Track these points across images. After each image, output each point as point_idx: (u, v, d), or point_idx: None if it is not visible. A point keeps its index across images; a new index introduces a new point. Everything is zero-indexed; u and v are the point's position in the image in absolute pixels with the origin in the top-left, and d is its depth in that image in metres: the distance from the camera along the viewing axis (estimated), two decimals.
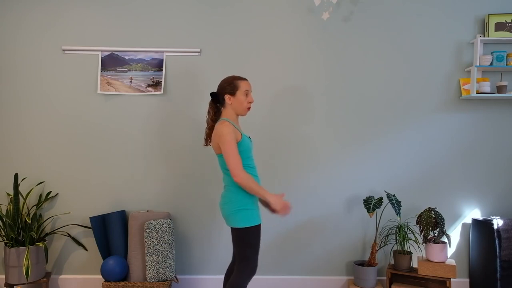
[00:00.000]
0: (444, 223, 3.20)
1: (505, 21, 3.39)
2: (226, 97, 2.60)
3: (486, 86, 3.35)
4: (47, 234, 3.42)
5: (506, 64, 3.36)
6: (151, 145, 3.55)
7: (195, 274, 3.58)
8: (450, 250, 3.55)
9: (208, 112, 2.68)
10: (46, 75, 3.52)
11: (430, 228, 3.18)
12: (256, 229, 2.54)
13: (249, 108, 2.64)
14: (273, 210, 2.59)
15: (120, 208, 3.56)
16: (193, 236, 3.57)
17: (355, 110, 3.54)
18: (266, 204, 2.72)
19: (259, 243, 2.57)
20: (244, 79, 2.64)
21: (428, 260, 3.28)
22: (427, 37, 3.50)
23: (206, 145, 2.72)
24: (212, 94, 2.64)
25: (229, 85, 2.59)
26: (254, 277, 3.57)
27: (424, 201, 3.54)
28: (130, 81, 3.48)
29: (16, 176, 3.26)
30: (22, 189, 3.54)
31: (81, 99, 3.52)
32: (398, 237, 3.32)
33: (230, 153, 2.44)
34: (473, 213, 3.54)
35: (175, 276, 3.40)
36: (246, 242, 2.52)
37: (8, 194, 3.49)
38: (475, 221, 3.43)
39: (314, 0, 3.25)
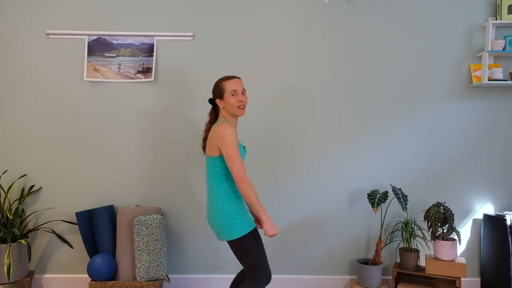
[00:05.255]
0: (453, 219, 3.17)
1: None
2: (217, 101, 2.60)
3: (499, 73, 3.33)
4: (30, 231, 3.39)
5: None
6: (140, 136, 3.52)
7: (187, 273, 3.55)
8: (460, 248, 3.54)
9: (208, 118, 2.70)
10: (28, 61, 3.47)
11: (439, 224, 3.16)
12: (251, 235, 2.50)
13: (241, 108, 2.55)
14: (261, 227, 2.58)
15: (107, 203, 3.53)
16: (186, 232, 3.54)
17: (360, 98, 3.51)
18: (257, 219, 2.68)
19: (261, 246, 2.53)
20: (231, 78, 2.57)
21: (436, 258, 3.26)
22: (436, 21, 3.49)
23: (205, 153, 2.64)
24: (209, 101, 2.66)
25: (216, 89, 2.59)
26: None
27: (432, 196, 3.52)
28: (119, 67, 3.46)
29: None
30: (3, 182, 3.48)
31: (66, 86, 3.49)
32: (404, 234, 3.32)
33: (235, 157, 2.43)
34: (484, 208, 3.52)
35: (166, 275, 3.36)
36: (246, 251, 2.50)
37: None
38: (486, 216, 3.41)
39: None
